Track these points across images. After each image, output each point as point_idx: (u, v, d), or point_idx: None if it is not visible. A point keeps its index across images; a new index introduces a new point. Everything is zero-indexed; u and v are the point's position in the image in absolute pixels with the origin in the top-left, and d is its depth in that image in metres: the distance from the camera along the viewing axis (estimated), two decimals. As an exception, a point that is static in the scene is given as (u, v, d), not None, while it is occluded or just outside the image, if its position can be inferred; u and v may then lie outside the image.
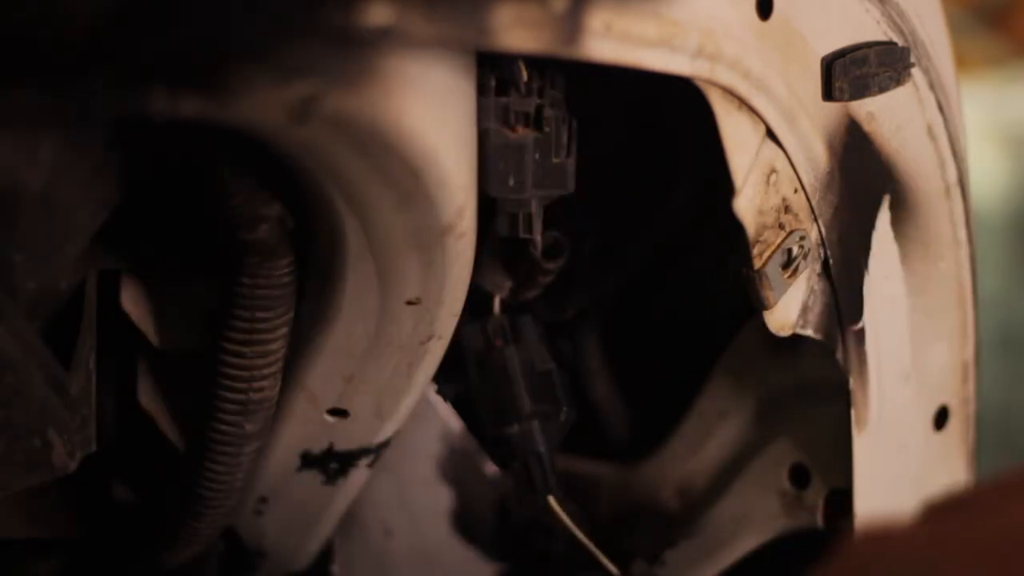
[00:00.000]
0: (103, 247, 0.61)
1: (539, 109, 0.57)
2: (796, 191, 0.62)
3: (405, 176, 0.51)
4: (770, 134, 0.60)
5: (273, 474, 0.70)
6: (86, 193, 0.57)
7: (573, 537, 0.72)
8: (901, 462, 0.71)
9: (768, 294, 0.62)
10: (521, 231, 0.59)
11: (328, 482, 0.69)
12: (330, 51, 0.45)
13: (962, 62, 0.80)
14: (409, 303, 0.57)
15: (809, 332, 0.65)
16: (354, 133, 0.48)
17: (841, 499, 0.71)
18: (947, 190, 0.70)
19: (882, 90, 0.64)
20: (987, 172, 2.44)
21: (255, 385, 0.61)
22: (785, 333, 0.64)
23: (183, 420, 0.68)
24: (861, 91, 0.63)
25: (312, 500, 0.71)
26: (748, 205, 0.61)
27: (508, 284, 0.67)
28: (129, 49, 0.43)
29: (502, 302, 0.69)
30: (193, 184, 0.59)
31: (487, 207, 0.57)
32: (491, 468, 0.79)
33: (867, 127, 0.65)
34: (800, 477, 0.73)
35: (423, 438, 0.78)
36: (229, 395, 0.61)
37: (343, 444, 0.67)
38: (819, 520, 0.72)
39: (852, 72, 0.62)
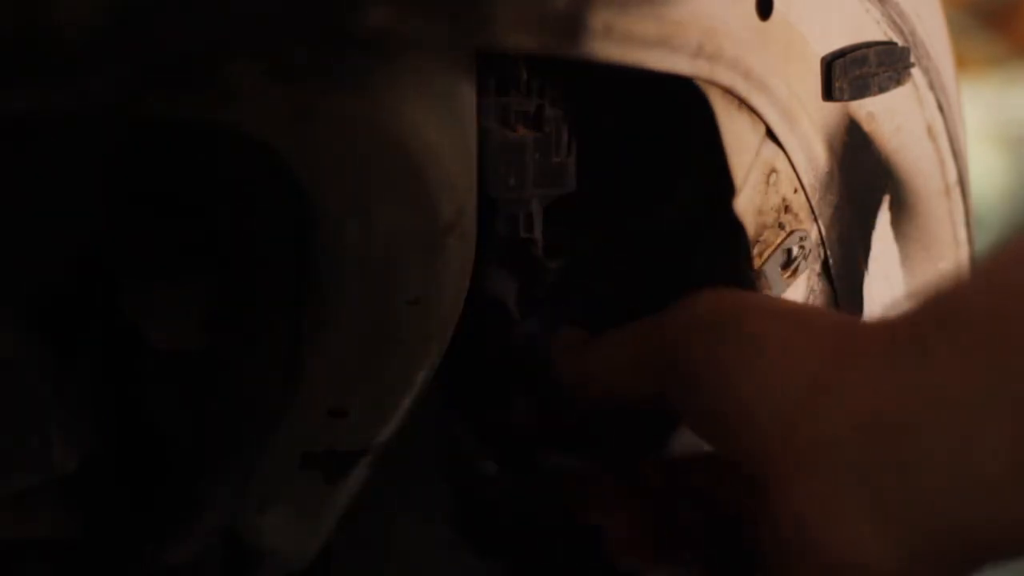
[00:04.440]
0: (103, 247, 0.61)
1: (539, 109, 0.57)
2: (796, 191, 0.62)
3: (405, 176, 0.51)
4: (770, 134, 0.60)
5: (273, 474, 0.70)
6: (86, 193, 0.57)
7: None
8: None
9: (767, 293, 0.63)
10: (521, 231, 0.59)
11: (328, 482, 0.69)
12: (330, 51, 0.45)
13: (962, 62, 0.80)
14: (409, 303, 0.57)
15: (809, 332, 0.65)
16: (354, 133, 0.48)
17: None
18: (947, 190, 0.71)
19: (882, 90, 0.64)
20: (987, 172, 2.44)
21: (255, 385, 0.61)
22: (785, 333, 0.64)
23: (183, 420, 0.68)
24: (861, 91, 0.63)
25: (312, 500, 0.71)
26: (748, 205, 0.61)
27: (514, 286, 0.67)
28: (127, 50, 0.43)
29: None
30: (192, 184, 0.59)
31: (487, 207, 0.57)
32: (491, 468, 0.79)
33: (867, 127, 0.65)
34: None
35: (423, 438, 0.78)
36: (229, 395, 0.61)
37: (343, 444, 0.67)
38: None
39: (852, 72, 0.62)
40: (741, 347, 0.54)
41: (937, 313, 0.49)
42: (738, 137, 0.59)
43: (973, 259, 0.53)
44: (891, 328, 0.51)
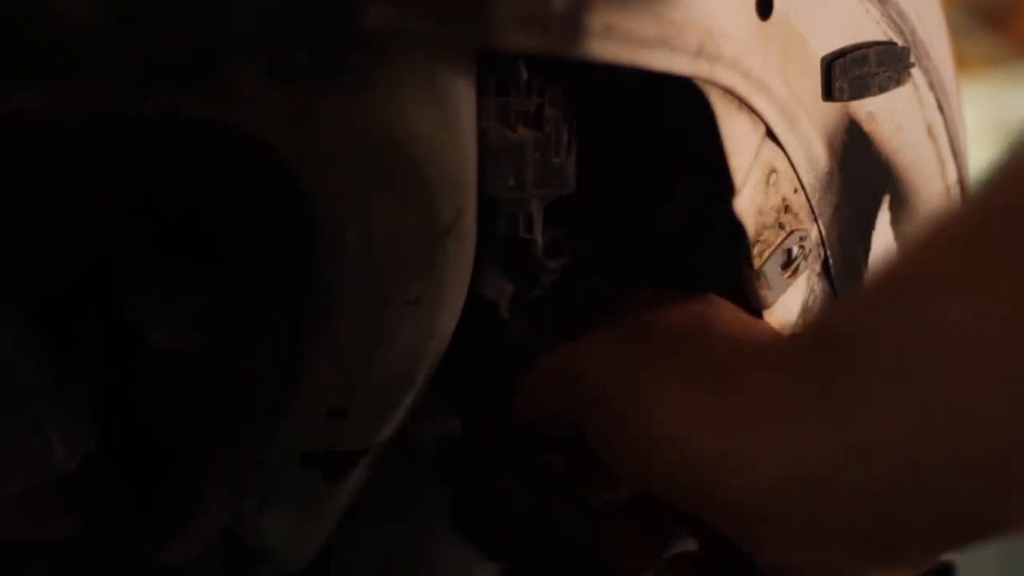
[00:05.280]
0: (103, 247, 0.61)
1: (539, 109, 0.57)
2: (796, 191, 0.62)
3: (405, 176, 0.51)
4: (770, 134, 0.60)
5: (273, 474, 0.70)
6: (85, 193, 0.57)
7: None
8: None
9: (766, 293, 0.62)
10: (521, 231, 0.59)
11: (328, 482, 0.69)
12: (330, 51, 0.45)
13: (962, 62, 0.80)
14: (409, 303, 0.57)
15: (809, 332, 0.65)
16: (354, 133, 0.48)
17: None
18: (947, 190, 0.71)
19: (882, 90, 0.64)
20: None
21: (255, 385, 0.61)
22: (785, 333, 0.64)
23: (183, 420, 0.68)
24: (861, 91, 0.63)
25: (312, 500, 0.71)
26: (748, 205, 0.61)
27: (509, 288, 0.67)
28: (127, 50, 0.43)
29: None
30: (193, 185, 0.59)
31: (487, 207, 0.57)
32: (493, 468, 0.79)
33: (867, 127, 0.65)
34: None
35: (423, 439, 0.78)
36: (229, 395, 0.61)
37: (343, 444, 0.67)
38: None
39: (852, 72, 0.62)
40: (651, 400, 0.56)
41: (841, 352, 0.49)
42: (738, 137, 0.59)
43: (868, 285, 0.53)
44: (795, 372, 0.51)
